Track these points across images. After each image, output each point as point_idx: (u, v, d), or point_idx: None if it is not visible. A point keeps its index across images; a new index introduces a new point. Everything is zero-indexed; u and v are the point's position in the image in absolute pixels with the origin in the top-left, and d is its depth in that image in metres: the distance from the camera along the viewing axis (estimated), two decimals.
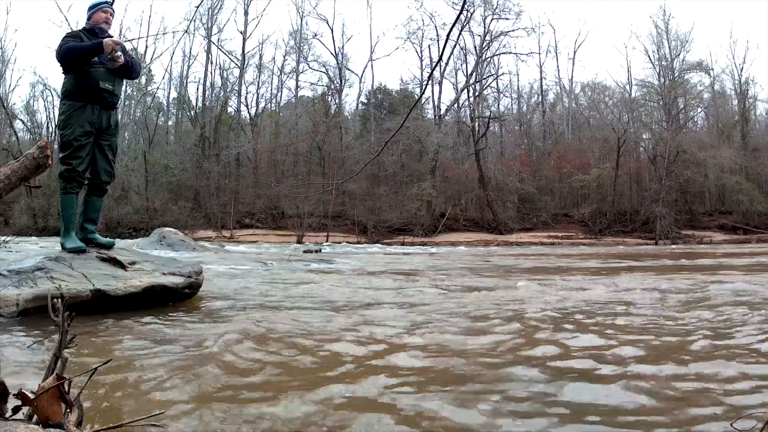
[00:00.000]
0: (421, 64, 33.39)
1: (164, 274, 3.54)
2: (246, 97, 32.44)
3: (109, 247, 3.76)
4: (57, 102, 24.13)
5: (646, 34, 36.68)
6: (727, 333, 2.68)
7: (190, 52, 32.37)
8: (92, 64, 3.58)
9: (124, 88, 4.13)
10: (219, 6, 30.55)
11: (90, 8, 3.76)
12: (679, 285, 4.97)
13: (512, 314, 3.27)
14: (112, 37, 3.78)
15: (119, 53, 3.57)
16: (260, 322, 2.90)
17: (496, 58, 32.38)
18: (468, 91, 32.01)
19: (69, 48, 3.50)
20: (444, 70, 31.68)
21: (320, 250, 13.33)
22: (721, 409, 1.55)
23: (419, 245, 21.61)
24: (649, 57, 31.05)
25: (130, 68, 3.75)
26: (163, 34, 29.21)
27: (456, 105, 32.83)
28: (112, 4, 3.78)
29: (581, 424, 1.47)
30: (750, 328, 2.78)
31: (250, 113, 32.28)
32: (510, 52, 32.02)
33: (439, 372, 1.99)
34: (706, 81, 32.22)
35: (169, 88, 33.16)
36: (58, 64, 3.60)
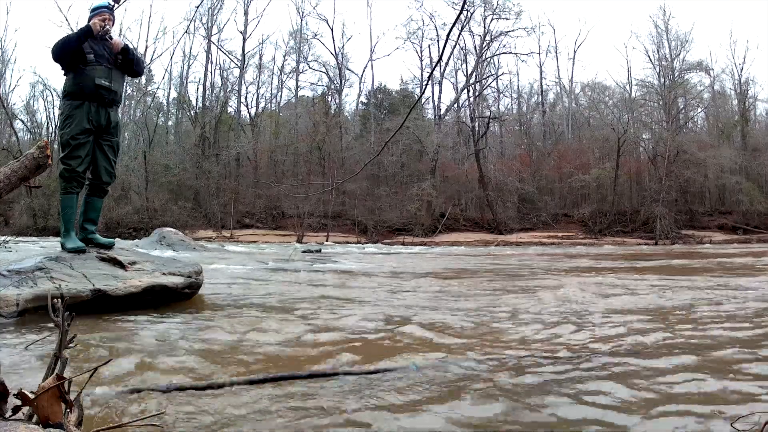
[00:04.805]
0: (421, 64, 33.48)
1: (164, 274, 3.54)
2: (246, 97, 32.51)
3: (109, 247, 3.76)
4: (57, 102, 24.14)
5: (646, 34, 36.66)
6: None
7: (190, 52, 32.41)
8: (89, 62, 3.59)
9: (124, 88, 4.13)
10: (219, 6, 30.61)
11: (90, 11, 3.76)
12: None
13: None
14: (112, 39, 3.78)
15: (108, 28, 3.64)
16: (259, 321, 2.90)
17: (496, 58, 32.49)
18: (468, 91, 32.04)
19: (57, 44, 3.58)
20: (444, 70, 31.75)
21: (320, 250, 13.32)
22: None
23: (419, 245, 21.62)
24: (649, 57, 31.12)
25: (130, 57, 3.78)
26: (163, 33, 29.22)
27: (456, 105, 32.85)
28: (111, 9, 3.75)
29: None
30: None
31: (250, 113, 32.31)
32: (510, 52, 32.11)
33: None
34: (706, 81, 32.30)
35: (169, 88, 33.21)
36: (58, 66, 3.63)
